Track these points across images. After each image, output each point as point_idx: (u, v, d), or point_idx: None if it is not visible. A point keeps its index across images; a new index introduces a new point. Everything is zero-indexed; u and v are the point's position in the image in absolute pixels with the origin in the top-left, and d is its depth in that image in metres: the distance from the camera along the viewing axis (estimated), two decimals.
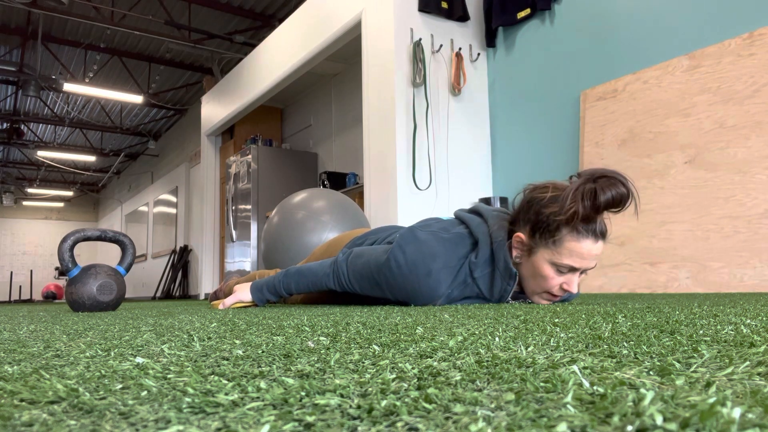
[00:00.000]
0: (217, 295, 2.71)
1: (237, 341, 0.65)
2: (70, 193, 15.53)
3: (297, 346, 0.58)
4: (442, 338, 0.62)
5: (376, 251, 1.64)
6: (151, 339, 0.72)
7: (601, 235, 1.46)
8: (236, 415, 0.28)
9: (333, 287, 1.70)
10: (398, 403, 0.29)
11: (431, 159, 3.90)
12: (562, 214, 1.39)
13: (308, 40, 4.92)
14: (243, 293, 1.80)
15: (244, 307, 1.84)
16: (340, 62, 6.22)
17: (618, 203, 1.34)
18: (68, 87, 7.61)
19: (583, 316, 0.93)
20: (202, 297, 7.41)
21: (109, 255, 14.48)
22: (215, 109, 7.13)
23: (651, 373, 0.37)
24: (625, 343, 0.53)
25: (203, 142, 7.60)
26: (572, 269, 1.47)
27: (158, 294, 9.93)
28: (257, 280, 1.82)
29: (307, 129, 7.39)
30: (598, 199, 1.34)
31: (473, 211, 1.69)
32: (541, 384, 0.33)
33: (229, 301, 1.81)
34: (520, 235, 1.51)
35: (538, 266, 1.49)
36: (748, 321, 0.74)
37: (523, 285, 1.57)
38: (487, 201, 3.89)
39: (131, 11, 6.86)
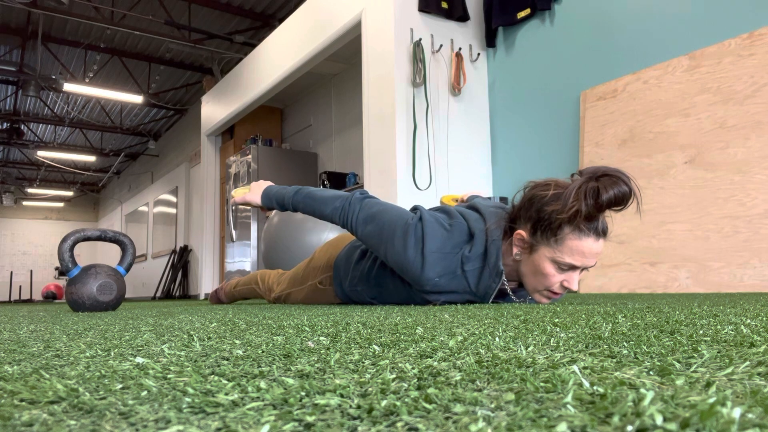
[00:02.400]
0: (217, 294, 2.71)
1: (237, 341, 0.65)
2: (70, 193, 15.53)
3: (297, 346, 0.58)
4: (442, 338, 0.62)
5: (396, 208, 1.66)
6: (151, 339, 0.72)
7: (603, 233, 1.46)
8: (236, 415, 0.28)
9: (336, 221, 1.71)
10: (398, 403, 0.29)
11: (431, 159, 3.90)
12: (564, 213, 1.38)
13: (308, 40, 4.91)
14: (254, 195, 1.83)
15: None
16: (340, 62, 6.22)
17: (620, 202, 1.34)
18: (68, 87, 7.61)
19: (583, 316, 0.93)
20: (202, 297, 7.41)
21: (109, 255, 14.48)
22: (215, 109, 7.13)
23: (651, 373, 0.37)
24: (625, 343, 0.53)
25: (203, 142, 7.60)
26: (573, 267, 1.47)
27: (158, 294, 9.93)
28: (271, 186, 1.84)
29: (307, 129, 7.39)
30: (600, 197, 1.34)
31: (471, 207, 1.69)
32: (541, 384, 0.33)
33: (239, 198, 1.86)
34: (521, 233, 1.51)
35: (539, 264, 1.49)
36: (748, 321, 0.74)
37: (524, 282, 1.57)
38: None
39: (131, 11, 6.86)
